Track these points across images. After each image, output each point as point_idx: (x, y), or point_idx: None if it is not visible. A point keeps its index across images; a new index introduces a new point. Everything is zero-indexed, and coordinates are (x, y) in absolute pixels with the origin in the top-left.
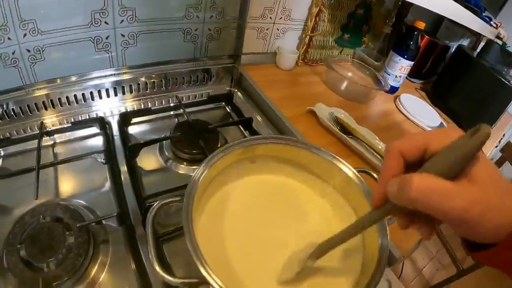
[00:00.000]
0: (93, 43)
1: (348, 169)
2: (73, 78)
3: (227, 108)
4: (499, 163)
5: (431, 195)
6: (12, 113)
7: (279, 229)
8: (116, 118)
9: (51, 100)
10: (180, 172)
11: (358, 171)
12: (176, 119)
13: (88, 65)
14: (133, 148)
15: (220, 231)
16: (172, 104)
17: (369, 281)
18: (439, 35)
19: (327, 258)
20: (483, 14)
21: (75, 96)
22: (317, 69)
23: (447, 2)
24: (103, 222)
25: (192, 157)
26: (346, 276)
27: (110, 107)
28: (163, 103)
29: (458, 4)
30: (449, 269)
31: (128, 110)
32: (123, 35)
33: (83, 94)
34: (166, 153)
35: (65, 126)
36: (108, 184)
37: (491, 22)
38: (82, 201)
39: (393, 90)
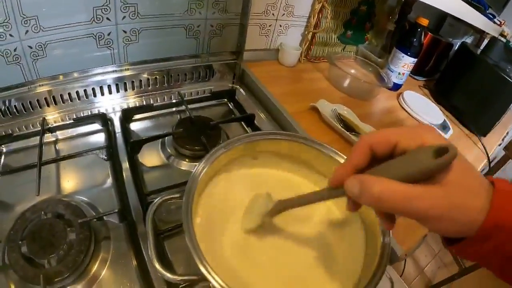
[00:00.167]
0: (95, 39)
1: None
2: (75, 75)
3: (229, 104)
4: (503, 161)
5: (391, 200)
6: (14, 109)
7: (280, 225)
8: (118, 114)
9: (53, 97)
10: (182, 168)
11: None
12: (178, 116)
13: (90, 61)
14: (135, 145)
15: (221, 227)
16: (174, 101)
17: (371, 279)
18: (442, 32)
19: (329, 256)
20: (487, 11)
21: (77, 92)
22: (319, 66)
23: None
24: (105, 218)
25: (194, 154)
26: (346, 274)
27: (112, 103)
28: (165, 100)
29: (462, 1)
30: (451, 268)
31: (130, 106)
32: (125, 32)
33: (85, 91)
34: (168, 150)
35: (67, 122)
36: (109, 181)
37: (495, 20)
38: (83, 198)
39: (396, 87)
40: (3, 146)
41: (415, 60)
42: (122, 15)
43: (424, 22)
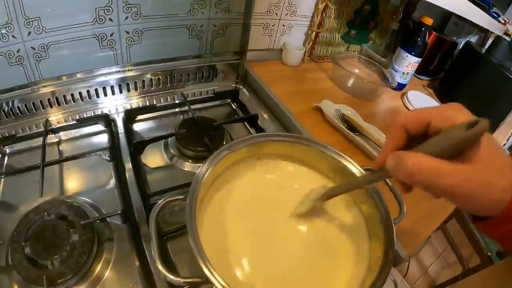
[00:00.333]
0: (98, 40)
1: (355, 168)
2: (78, 76)
3: (232, 105)
4: None
5: (423, 173)
6: (17, 110)
7: (286, 230)
8: (121, 115)
9: (56, 98)
10: (185, 169)
11: (365, 170)
12: (181, 116)
13: (93, 62)
14: (138, 145)
15: (225, 229)
16: (177, 101)
17: (375, 280)
18: (446, 32)
19: (333, 259)
20: (491, 10)
21: (80, 93)
22: (323, 66)
23: None
24: (108, 219)
25: (197, 154)
26: (351, 275)
27: (115, 104)
28: (168, 100)
29: (466, 0)
30: (455, 268)
31: (133, 107)
32: (127, 32)
33: (88, 92)
34: (171, 150)
35: (70, 123)
36: (112, 182)
37: (499, 19)
38: (86, 199)
39: (400, 87)
40: (6, 147)
41: (420, 59)
42: (124, 16)
43: (429, 21)
